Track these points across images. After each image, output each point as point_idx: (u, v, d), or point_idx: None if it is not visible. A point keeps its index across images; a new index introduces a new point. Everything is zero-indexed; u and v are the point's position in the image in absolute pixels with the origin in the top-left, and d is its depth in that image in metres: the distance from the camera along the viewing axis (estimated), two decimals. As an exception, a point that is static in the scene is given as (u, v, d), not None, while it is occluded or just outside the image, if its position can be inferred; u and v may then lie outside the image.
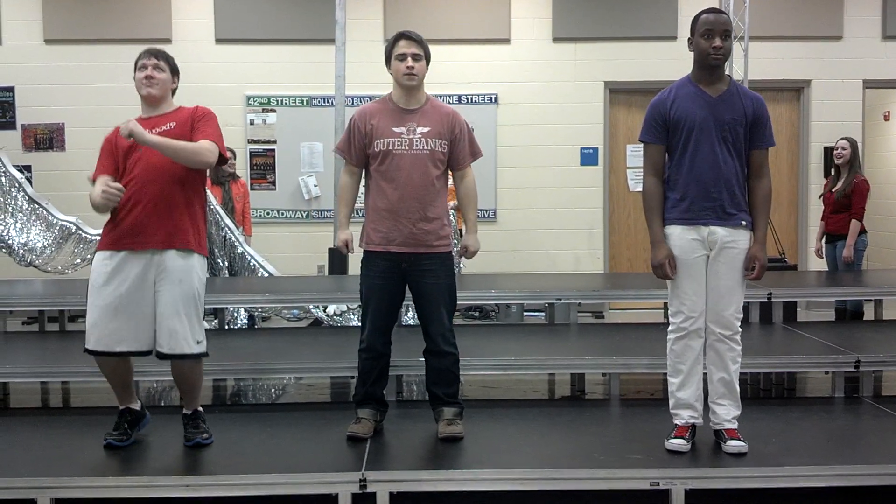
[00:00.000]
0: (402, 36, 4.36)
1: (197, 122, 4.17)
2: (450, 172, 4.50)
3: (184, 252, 4.09)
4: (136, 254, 4.04)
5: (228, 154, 4.43)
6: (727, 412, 4.14)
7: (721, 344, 4.11)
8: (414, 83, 4.33)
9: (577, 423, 4.80)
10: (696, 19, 4.09)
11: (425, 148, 4.31)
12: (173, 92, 4.29)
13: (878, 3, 10.22)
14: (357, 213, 4.60)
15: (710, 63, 4.02)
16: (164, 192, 4.05)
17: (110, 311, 4.03)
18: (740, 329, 4.14)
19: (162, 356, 4.09)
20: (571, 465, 4.02)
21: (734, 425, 4.14)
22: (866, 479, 3.95)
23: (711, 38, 3.99)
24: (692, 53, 4.10)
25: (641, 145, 4.23)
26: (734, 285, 4.09)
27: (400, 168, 4.29)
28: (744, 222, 4.07)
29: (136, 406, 4.37)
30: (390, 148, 4.30)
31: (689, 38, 4.13)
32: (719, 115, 4.02)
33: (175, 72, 4.27)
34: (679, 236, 4.08)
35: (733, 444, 4.07)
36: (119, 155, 4.12)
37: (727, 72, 9.37)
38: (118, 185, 3.99)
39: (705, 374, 4.20)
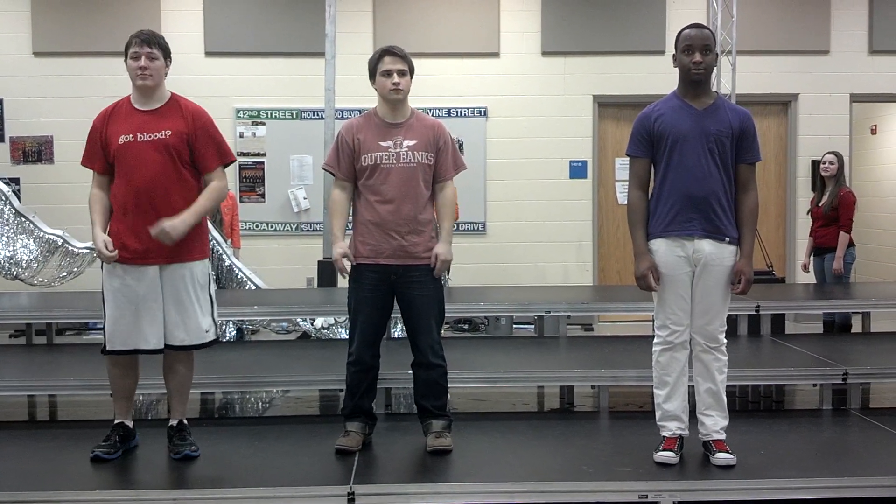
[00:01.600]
0: (387, 52, 4.36)
1: (198, 140, 4.19)
2: None
3: (190, 262, 4.22)
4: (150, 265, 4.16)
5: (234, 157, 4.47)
6: (715, 423, 4.15)
7: (707, 354, 4.13)
8: (400, 97, 4.34)
9: (566, 435, 4.80)
10: (678, 36, 4.13)
11: (412, 161, 4.32)
12: (164, 74, 4.26)
13: (865, 17, 10.30)
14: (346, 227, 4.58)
15: (691, 78, 4.06)
16: (165, 206, 4.10)
17: (130, 313, 4.12)
18: (725, 340, 4.16)
19: (175, 348, 4.22)
20: (560, 478, 4.02)
21: (722, 436, 4.15)
22: (854, 492, 3.96)
23: (692, 54, 4.03)
24: (677, 69, 4.14)
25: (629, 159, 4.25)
26: (719, 301, 4.11)
27: (388, 181, 4.29)
28: (728, 238, 4.08)
29: (129, 423, 4.37)
30: (378, 162, 4.30)
31: (673, 55, 4.17)
32: (705, 126, 4.04)
33: (167, 55, 4.24)
34: (664, 252, 4.09)
35: (721, 457, 4.07)
36: (107, 148, 4.15)
37: (716, 86, 9.41)
38: (114, 253, 4.08)
39: (691, 385, 4.22)
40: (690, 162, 4.03)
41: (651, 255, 4.11)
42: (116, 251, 4.08)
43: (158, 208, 4.09)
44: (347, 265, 4.35)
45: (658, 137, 4.08)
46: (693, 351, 4.16)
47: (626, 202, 9.98)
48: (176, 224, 4.05)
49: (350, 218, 4.46)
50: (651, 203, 4.16)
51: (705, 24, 9.52)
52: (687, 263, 4.08)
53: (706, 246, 4.06)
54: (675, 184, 4.05)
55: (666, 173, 4.09)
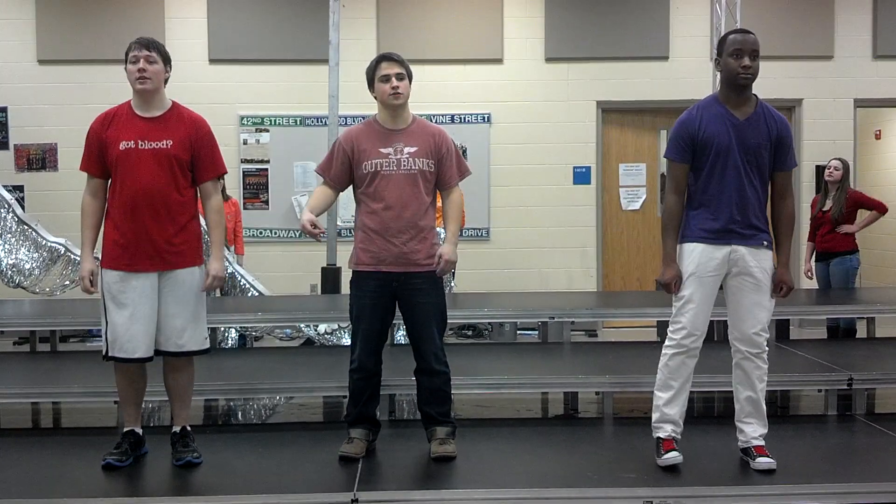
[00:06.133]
0: (384, 58, 4.35)
1: (199, 149, 4.21)
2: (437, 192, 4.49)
3: (192, 266, 4.24)
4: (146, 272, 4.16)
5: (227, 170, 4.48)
6: (754, 430, 4.19)
7: (748, 362, 4.15)
8: (400, 102, 4.33)
9: (571, 441, 4.79)
10: (723, 39, 4.14)
11: (413, 167, 4.31)
12: (165, 81, 4.25)
13: (869, 22, 10.28)
14: (348, 232, 4.57)
15: (738, 83, 4.05)
16: (162, 214, 4.12)
17: (127, 322, 4.11)
18: (767, 348, 4.16)
19: (170, 355, 4.23)
20: (565, 485, 4.01)
21: (762, 442, 4.18)
22: (860, 497, 3.95)
23: (741, 58, 4.02)
24: (720, 73, 4.15)
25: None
26: (757, 303, 4.12)
27: (388, 188, 4.29)
28: (765, 242, 4.13)
29: (139, 431, 4.38)
30: (378, 169, 4.30)
31: (716, 59, 4.19)
32: (745, 139, 4.06)
33: (167, 60, 4.24)
34: (700, 253, 4.11)
35: (762, 461, 4.11)
36: (106, 153, 4.16)
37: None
38: (93, 289, 4.18)
39: (692, 392, 4.22)
40: (731, 174, 4.06)
41: (684, 257, 4.13)
42: (95, 288, 4.18)
43: (156, 215, 4.11)
44: (310, 228, 4.22)
45: (702, 146, 4.09)
46: (734, 359, 4.19)
47: (629, 208, 10.12)
48: (217, 267, 4.20)
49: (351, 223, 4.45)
50: (687, 207, 4.18)
51: (709, 29, 9.55)
52: (721, 266, 4.10)
53: (743, 249, 4.10)
54: (715, 194, 4.09)
55: (707, 182, 4.11)
